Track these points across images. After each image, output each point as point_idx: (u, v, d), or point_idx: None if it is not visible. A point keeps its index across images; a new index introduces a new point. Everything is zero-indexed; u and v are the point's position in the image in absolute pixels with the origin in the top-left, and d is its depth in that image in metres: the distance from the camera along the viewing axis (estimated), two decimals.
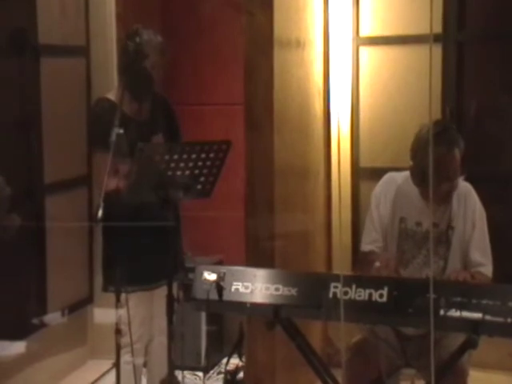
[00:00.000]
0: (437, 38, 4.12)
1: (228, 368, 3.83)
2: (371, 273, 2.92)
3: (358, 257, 3.29)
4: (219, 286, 2.76)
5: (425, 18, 3.79)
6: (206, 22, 4.71)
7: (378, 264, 2.84)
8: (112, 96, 3.40)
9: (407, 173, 3.11)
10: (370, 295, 2.60)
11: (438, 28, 4.14)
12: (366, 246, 3.12)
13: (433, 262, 2.97)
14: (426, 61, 3.96)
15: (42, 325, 4.04)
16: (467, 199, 3.07)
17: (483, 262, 3.02)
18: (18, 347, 3.82)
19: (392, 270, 2.86)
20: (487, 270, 3.02)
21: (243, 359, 3.64)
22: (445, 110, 4.17)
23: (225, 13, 4.58)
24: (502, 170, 4.22)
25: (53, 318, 4.09)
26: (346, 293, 2.61)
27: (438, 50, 4.16)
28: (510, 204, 4.11)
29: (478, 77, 4.29)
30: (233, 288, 2.76)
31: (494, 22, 4.27)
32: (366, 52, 4.39)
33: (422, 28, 3.96)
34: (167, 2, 4.77)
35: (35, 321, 3.98)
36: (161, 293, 3.21)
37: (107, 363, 4.04)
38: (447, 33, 4.20)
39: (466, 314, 2.47)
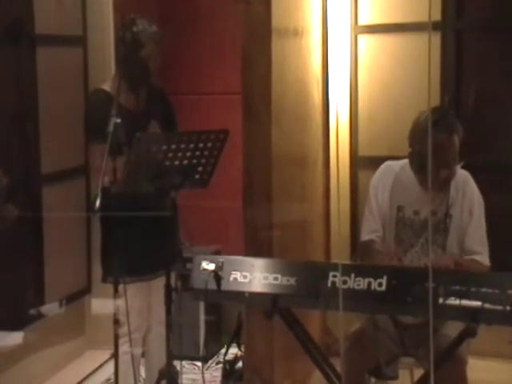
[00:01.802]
0: (436, 26, 4.10)
1: (227, 358, 3.83)
2: (372, 262, 2.90)
3: (358, 246, 3.28)
4: (217, 276, 2.75)
5: (423, 5, 3.74)
6: (203, 12, 4.70)
7: (381, 251, 2.83)
8: (107, 87, 3.38)
9: (404, 161, 3.10)
10: (369, 284, 2.59)
11: (436, 16, 4.12)
12: (365, 236, 3.11)
13: (431, 250, 2.96)
14: (425, 49, 3.89)
15: (40, 315, 4.03)
16: (466, 187, 3.06)
17: (479, 251, 3.01)
18: (15, 338, 3.82)
19: (396, 259, 2.85)
20: (482, 258, 3.01)
21: (242, 349, 3.63)
22: (443, 99, 4.16)
23: (222, 2, 4.56)
24: (500, 158, 4.20)
25: (50, 308, 4.09)
26: (344, 282, 2.60)
27: (436, 38, 4.14)
28: (508, 192, 4.10)
29: (476, 65, 4.28)
30: (231, 278, 2.75)
31: (493, 10, 4.25)
32: (364, 40, 4.37)
33: (421, 16, 3.94)
34: None
35: (33, 311, 3.98)
36: (159, 283, 3.20)
37: (105, 353, 4.03)
38: (446, 21, 4.18)
39: (465, 302, 2.45)
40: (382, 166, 3.18)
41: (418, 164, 2.98)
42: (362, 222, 3.22)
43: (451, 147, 2.96)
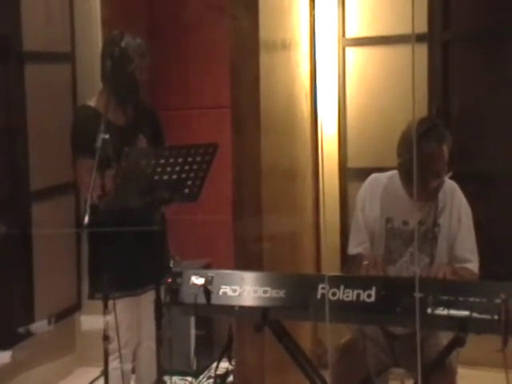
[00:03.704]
0: (422, 38, 4.13)
1: (218, 372, 3.81)
2: (360, 274, 2.90)
3: (347, 260, 3.28)
4: (207, 290, 2.74)
5: (410, 18, 3.79)
6: (191, 26, 4.71)
7: (366, 262, 2.83)
8: (93, 103, 3.38)
9: (392, 172, 3.11)
10: (358, 295, 2.59)
11: (423, 28, 4.14)
12: (353, 249, 3.11)
13: (418, 260, 2.96)
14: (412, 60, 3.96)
15: (30, 333, 4.01)
16: (453, 196, 3.06)
17: (469, 259, 3.02)
18: (4, 357, 3.79)
19: (380, 268, 2.85)
20: (473, 266, 3.02)
21: (233, 362, 3.62)
22: (431, 109, 4.18)
23: (210, 16, 4.57)
24: (486, 168, 4.21)
25: (40, 326, 4.06)
26: (334, 294, 2.60)
27: (423, 50, 4.16)
28: (493, 202, 4.11)
29: (463, 76, 4.30)
30: (221, 291, 2.75)
31: (479, 21, 4.27)
32: (352, 53, 4.39)
33: (408, 28, 3.96)
34: (152, 6, 4.77)
35: (22, 329, 3.95)
36: (148, 297, 3.20)
37: (96, 371, 4.01)
38: (432, 32, 4.20)
39: (453, 312, 2.45)
40: (369, 179, 3.18)
41: (408, 174, 2.98)
42: (349, 236, 3.21)
43: (441, 157, 2.96)
